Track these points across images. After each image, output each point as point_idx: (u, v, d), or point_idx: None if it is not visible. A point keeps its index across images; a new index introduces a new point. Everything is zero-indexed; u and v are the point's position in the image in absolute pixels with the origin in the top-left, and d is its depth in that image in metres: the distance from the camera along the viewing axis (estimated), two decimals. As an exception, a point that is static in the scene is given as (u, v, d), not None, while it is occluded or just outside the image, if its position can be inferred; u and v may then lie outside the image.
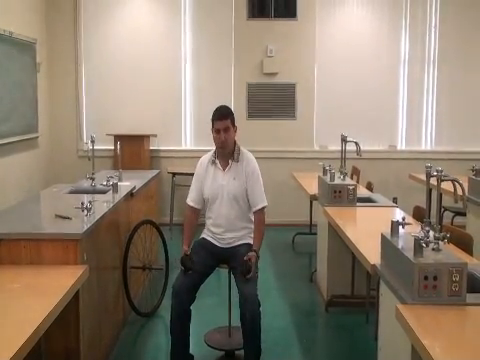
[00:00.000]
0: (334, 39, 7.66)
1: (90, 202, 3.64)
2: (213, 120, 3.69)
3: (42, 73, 7.26)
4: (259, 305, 3.46)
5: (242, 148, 3.81)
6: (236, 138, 3.79)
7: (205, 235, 3.86)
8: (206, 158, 3.83)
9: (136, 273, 4.59)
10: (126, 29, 7.60)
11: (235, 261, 3.60)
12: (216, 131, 3.67)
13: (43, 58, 7.31)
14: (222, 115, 3.69)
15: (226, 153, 3.73)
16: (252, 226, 3.77)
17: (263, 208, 3.74)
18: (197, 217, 3.88)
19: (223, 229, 3.76)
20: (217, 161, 3.77)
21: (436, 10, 7.56)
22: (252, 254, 3.55)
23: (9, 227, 3.27)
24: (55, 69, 7.61)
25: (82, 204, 3.56)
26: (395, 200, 4.81)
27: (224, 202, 3.73)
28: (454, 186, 2.71)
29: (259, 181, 3.77)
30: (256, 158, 3.82)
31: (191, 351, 3.68)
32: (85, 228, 3.21)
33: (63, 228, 3.23)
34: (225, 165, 3.75)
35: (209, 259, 3.70)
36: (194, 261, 3.57)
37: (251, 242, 3.72)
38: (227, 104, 3.96)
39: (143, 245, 4.61)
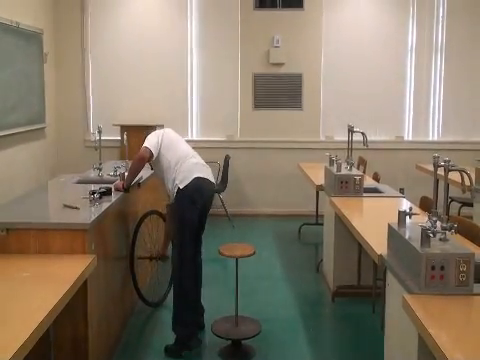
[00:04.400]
0: (341, 29, 7.62)
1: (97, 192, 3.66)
2: None
3: (49, 63, 7.27)
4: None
5: None
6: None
7: None
8: None
9: (143, 263, 4.61)
10: (132, 20, 7.59)
11: None
12: None
13: (50, 48, 7.31)
14: None
15: None
16: (169, 178, 3.94)
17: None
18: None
19: None
20: None
21: (444, -2, 7.52)
22: None
23: (18, 217, 3.29)
24: (62, 59, 7.62)
25: (91, 194, 3.58)
26: (402, 191, 4.81)
27: None
28: (462, 176, 2.70)
29: None
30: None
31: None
32: (93, 218, 3.23)
33: (71, 218, 3.25)
34: None
35: None
36: None
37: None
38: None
39: (150, 235, 4.63)
